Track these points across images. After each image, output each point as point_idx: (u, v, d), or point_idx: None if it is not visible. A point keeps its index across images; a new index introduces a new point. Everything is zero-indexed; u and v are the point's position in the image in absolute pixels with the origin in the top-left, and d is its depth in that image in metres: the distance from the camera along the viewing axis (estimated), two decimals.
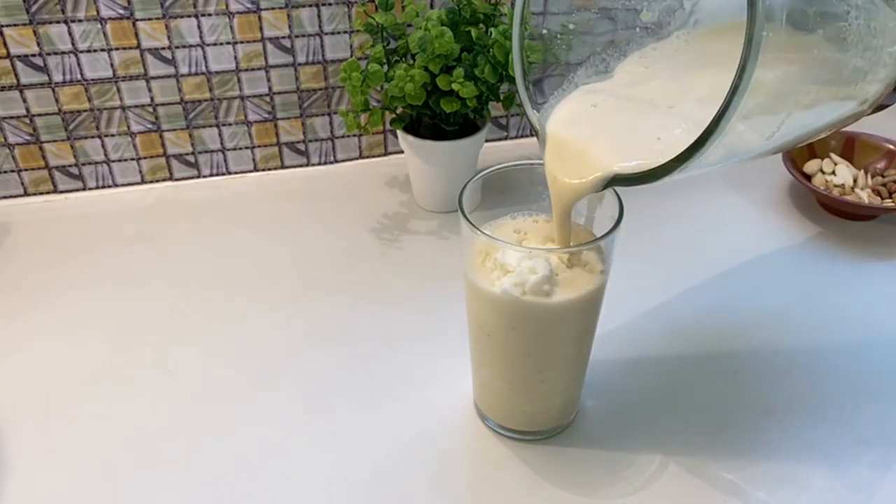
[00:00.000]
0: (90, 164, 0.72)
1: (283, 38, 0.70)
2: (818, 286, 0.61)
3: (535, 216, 0.45)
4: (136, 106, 0.70)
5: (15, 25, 0.64)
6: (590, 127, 0.40)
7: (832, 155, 0.72)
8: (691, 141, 0.32)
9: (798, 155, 0.71)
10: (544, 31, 0.43)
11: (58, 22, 0.64)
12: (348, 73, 0.61)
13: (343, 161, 0.78)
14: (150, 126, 0.71)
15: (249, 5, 0.67)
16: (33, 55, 0.65)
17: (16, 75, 0.66)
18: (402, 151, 0.70)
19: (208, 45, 0.68)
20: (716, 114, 0.31)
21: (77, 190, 0.73)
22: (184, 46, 0.68)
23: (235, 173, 0.76)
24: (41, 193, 0.73)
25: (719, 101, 0.30)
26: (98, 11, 0.65)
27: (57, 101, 0.68)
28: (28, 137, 0.69)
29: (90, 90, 0.68)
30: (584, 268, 0.41)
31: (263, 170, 0.77)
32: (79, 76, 0.67)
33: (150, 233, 0.68)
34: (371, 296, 0.60)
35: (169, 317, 0.59)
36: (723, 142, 0.32)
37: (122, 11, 0.65)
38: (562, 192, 0.40)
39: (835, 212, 0.69)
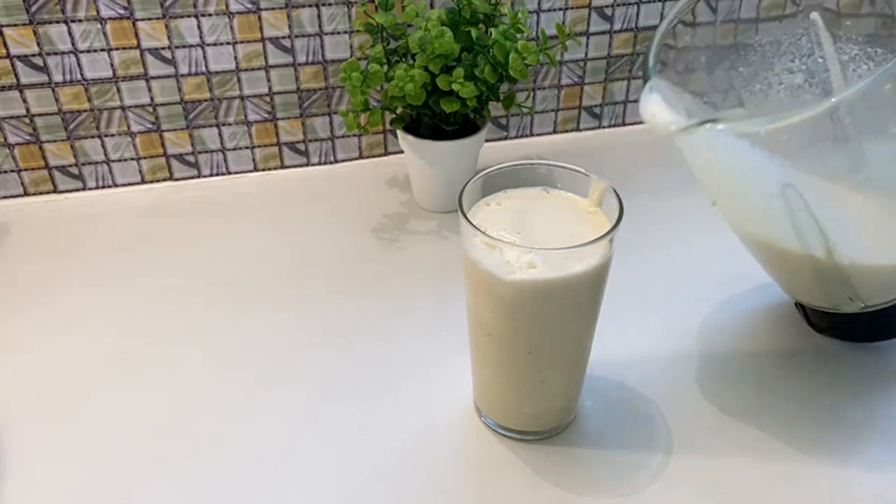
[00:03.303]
0: (90, 164, 0.72)
1: (283, 38, 0.70)
2: None
3: (505, 192, 0.46)
4: (136, 106, 0.70)
5: (15, 25, 0.64)
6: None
7: None
8: None
9: None
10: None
11: (58, 22, 0.64)
12: (348, 73, 0.61)
13: (343, 161, 0.78)
14: (150, 126, 0.71)
15: (249, 5, 0.67)
16: (33, 55, 0.65)
17: (16, 75, 0.66)
18: (402, 151, 0.70)
19: (208, 45, 0.68)
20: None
21: (77, 190, 0.73)
22: (184, 46, 0.68)
23: (235, 173, 0.76)
24: (41, 193, 0.72)
25: None
26: (98, 11, 0.65)
27: (57, 101, 0.68)
28: (28, 137, 0.69)
29: (90, 90, 0.68)
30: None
31: (263, 170, 0.77)
32: (79, 76, 0.67)
33: (150, 233, 0.68)
34: (371, 296, 0.60)
35: (169, 317, 0.59)
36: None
37: (122, 11, 0.65)
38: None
39: None
